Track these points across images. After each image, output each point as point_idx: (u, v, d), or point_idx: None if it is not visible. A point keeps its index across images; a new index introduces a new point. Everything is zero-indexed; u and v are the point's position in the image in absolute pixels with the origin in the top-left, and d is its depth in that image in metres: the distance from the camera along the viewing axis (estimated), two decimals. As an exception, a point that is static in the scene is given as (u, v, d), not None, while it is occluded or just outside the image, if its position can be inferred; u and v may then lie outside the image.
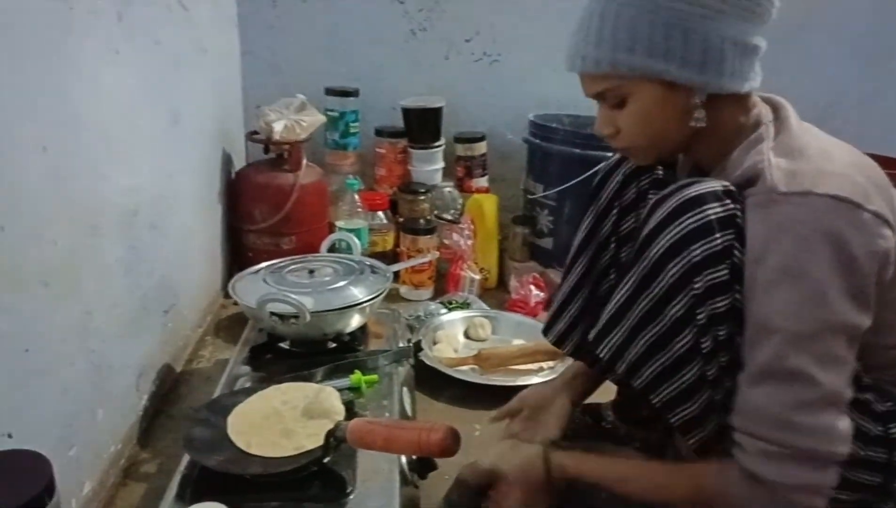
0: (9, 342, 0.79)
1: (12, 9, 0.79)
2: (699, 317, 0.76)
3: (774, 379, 0.72)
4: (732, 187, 0.78)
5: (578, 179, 1.67)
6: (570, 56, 0.83)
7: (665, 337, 0.78)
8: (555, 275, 1.73)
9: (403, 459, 0.94)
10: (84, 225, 0.98)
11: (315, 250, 1.46)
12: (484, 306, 1.68)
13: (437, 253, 1.74)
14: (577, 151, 1.72)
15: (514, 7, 1.97)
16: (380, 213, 1.87)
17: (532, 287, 1.68)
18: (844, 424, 0.72)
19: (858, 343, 0.74)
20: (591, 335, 0.86)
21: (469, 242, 1.73)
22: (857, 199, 0.71)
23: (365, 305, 1.22)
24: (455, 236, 1.73)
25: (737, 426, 0.76)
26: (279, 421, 0.94)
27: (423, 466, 0.98)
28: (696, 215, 0.75)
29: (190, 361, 1.44)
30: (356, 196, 1.83)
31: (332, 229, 1.76)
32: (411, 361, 1.24)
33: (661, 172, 0.97)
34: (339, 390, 1.02)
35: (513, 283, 1.73)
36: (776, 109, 0.84)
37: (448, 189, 1.96)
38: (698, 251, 0.75)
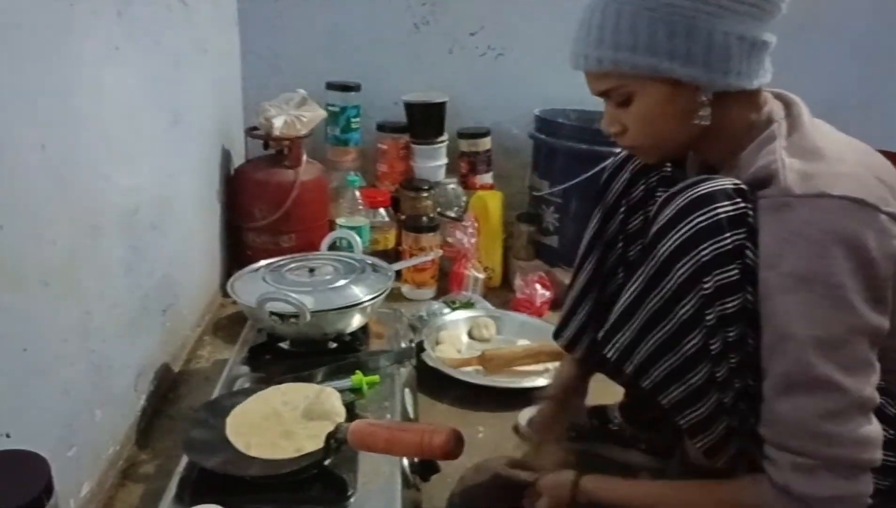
0: (8, 342, 0.79)
1: (12, 8, 0.79)
2: (708, 318, 0.74)
3: (801, 389, 0.71)
4: (744, 186, 0.76)
5: (585, 175, 1.65)
6: (573, 54, 0.82)
7: (674, 338, 0.77)
8: (561, 274, 1.71)
9: (405, 461, 0.93)
10: (84, 225, 0.98)
11: (315, 248, 1.45)
12: (488, 305, 1.67)
13: (440, 251, 1.73)
14: (584, 146, 1.70)
15: (520, 0, 1.95)
16: (381, 210, 1.85)
17: (537, 286, 1.66)
18: (875, 429, 0.71)
19: (878, 347, 0.72)
20: (600, 335, 0.86)
21: (473, 240, 1.71)
22: (874, 201, 0.70)
23: (366, 304, 1.20)
24: (458, 234, 1.71)
25: (766, 438, 0.74)
26: (279, 422, 0.94)
27: (425, 468, 0.97)
28: (705, 213, 0.74)
29: (188, 361, 1.43)
30: (357, 193, 1.81)
31: (332, 226, 1.74)
32: (413, 361, 1.23)
33: (669, 169, 0.96)
34: (340, 391, 1.01)
35: (517, 282, 1.71)
36: (788, 105, 0.82)
37: (451, 186, 1.94)
38: (707, 251, 0.73)
